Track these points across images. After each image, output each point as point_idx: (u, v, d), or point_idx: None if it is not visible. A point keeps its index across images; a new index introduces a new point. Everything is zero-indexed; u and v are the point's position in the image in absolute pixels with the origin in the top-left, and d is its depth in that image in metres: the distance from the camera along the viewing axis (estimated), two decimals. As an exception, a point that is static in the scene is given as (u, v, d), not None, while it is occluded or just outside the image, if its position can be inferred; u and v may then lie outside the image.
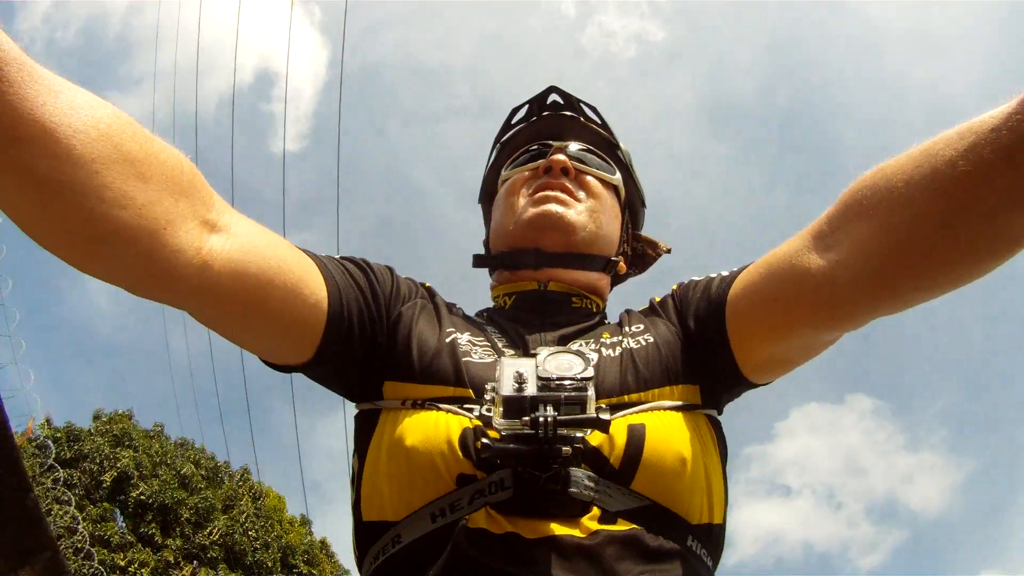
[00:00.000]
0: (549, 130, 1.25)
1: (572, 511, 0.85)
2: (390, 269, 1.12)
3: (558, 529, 0.84)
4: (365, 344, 1.01)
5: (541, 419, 0.80)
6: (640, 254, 1.32)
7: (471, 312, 1.19)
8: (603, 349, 1.02)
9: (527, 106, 1.28)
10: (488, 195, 1.34)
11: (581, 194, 1.17)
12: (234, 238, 0.86)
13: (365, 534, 0.94)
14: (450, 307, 1.14)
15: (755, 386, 1.07)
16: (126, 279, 0.82)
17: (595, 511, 0.86)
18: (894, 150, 0.84)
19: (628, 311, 1.16)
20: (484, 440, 0.84)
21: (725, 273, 1.07)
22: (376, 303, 1.03)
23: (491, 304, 1.24)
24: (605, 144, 1.26)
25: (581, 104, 1.26)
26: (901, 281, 0.84)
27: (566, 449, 0.82)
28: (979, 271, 0.82)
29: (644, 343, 1.02)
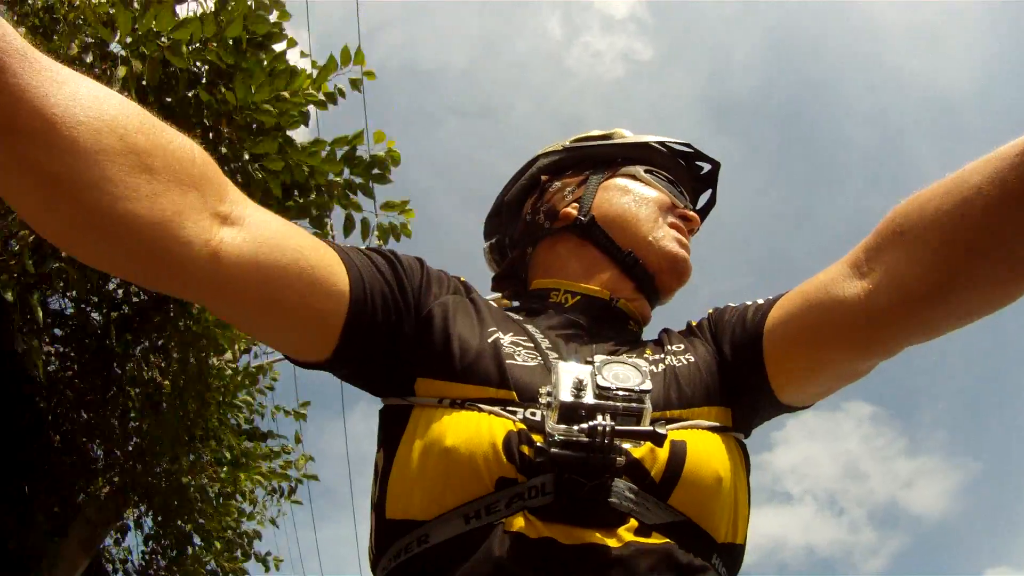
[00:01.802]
0: (684, 176, 1.28)
1: (610, 521, 0.84)
2: (420, 260, 1.08)
3: (595, 538, 0.83)
4: (391, 336, 0.98)
5: (599, 428, 0.80)
6: None
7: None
8: (647, 364, 1.00)
9: (664, 145, 1.26)
10: (599, 162, 1.26)
11: None
12: (247, 229, 0.83)
13: (386, 531, 0.91)
14: (487, 303, 1.10)
15: (793, 410, 1.07)
16: (134, 272, 0.80)
17: (632, 523, 0.85)
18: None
19: (667, 330, 1.16)
20: (540, 445, 0.82)
21: (760, 301, 1.08)
22: (403, 293, 0.99)
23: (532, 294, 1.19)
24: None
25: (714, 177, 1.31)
26: (933, 309, 0.85)
27: (620, 460, 0.81)
28: (1010, 297, 0.83)
29: (686, 362, 1.03)
